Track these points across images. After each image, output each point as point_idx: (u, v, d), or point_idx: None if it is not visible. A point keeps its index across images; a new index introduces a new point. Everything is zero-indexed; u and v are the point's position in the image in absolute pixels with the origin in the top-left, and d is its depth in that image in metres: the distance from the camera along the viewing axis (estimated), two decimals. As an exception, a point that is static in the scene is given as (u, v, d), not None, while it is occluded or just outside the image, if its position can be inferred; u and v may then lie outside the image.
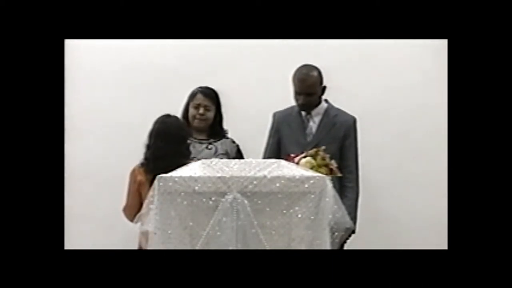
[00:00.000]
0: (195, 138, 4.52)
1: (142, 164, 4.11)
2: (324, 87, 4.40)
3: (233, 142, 4.62)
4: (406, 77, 5.03)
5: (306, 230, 3.27)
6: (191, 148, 4.36)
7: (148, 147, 4.12)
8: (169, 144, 4.04)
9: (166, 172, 3.32)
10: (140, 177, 4.09)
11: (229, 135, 4.63)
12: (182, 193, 3.26)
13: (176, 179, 3.27)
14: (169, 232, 3.26)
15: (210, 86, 4.61)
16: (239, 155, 4.58)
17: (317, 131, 4.38)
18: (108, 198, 4.92)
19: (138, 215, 3.46)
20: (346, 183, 4.31)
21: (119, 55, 5.07)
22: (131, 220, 3.99)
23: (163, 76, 5.08)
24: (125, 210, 4.18)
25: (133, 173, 4.13)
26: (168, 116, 4.19)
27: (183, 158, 3.93)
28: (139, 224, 3.46)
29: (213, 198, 3.25)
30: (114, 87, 5.09)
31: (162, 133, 4.08)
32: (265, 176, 3.27)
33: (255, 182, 3.26)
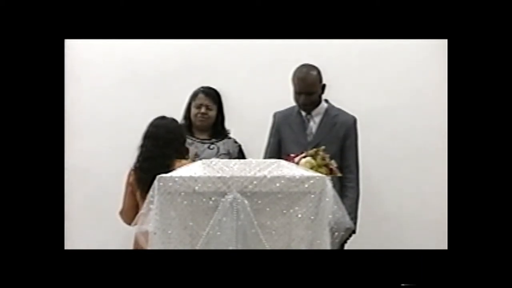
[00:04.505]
0: (197, 138, 4.53)
1: (135, 166, 4.13)
2: (324, 86, 4.39)
3: (235, 142, 4.62)
4: (406, 77, 5.03)
5: (306, 230, 3.26)
6: (193, 148, 4.37)
7: (141, 148, 4.14)
8: (156, 146, 4.06)
9: (153, 173, 3.33)
10: (132, 179, 4.11)
11: (231, 135, 4.64)
12: (182, 193, 3.25)
13: (176, 179, 3.26)
14: (169, 232, 3.25)
15: (211, 86, 4.61)
16: (241, 155, 4.58)
17: (318, 131, 4.38)
18: (107, 198, 4.91)
19: (138, 215, 3.46)
20: (347, 183, 4.31)
21: (119, 55, 5.07)
22: (128, 223, 4.00)
23: (164, 76, 5.07)
24: (121, 213, 4.20)
25: (128, 176, 4.15)
26: (162, 118, 4.19)
27: (170, 159, 3.95)
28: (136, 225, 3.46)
29: (213, 198, 3.25)
30: (114, 87, 5.09)
31: (151, 135, 4.11)
32: (265, 176, 3.26)
33: (255, 182, 3.25)
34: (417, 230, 4.96)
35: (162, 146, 4.06)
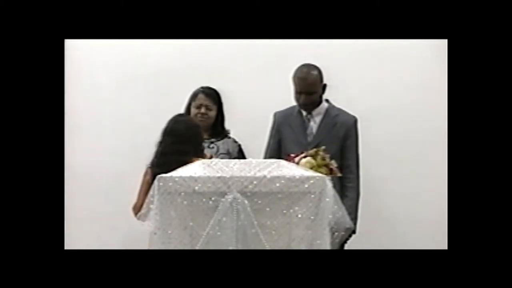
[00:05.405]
0: (197, 137, 4.53)
1: (152, 163, 4.09)
2: (325, 85, 4.39)
3: (235, 141, 4.63)
4: (406, 77, 5.03)
5: (306, 230, 3.27)
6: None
7: (159, 144, 4.11)
8: (175, 142, 4.04)
9: (172, 169, 3.33)
10: (148, 177, 4.09)
11: (231, 135, 4.64)
12: (182, 193, 3.26)
13: (176, 179, 3.27)
14: (169, 232, 3.26)
15: (211, 86, 4.62)
16: (241, 154, 4.59)
17: (318, 131, 4.38)
18: (108, 198, 4.92)
19: (138, 214, 3.47)
20: (347, 183, 4.31)
21: (119, 55, 5.07)
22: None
23: (164, 76, 5.08)
24: (134, 208, 4.16)
25: (145, 174, 4.12)
26: (181, 115, 4.23)
27: (188, 156, 3.92)
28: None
29: (213, 198, 3.25)
30: (114, 87, 5.09)
31: (171, 131, 4.09)
32: (265, 176, 3.27)
33: (255, 182, 3.26)
34: (417, 230, 4.96)
35: (181, 142, 4.02)
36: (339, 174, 3.91)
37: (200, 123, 4.55)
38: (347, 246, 4.28)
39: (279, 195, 3.26)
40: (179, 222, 3.26)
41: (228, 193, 3.25)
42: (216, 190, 3.25)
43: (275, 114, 4.53)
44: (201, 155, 4.06)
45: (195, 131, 4.13)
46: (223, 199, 3.24)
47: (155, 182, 3.28)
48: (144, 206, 3.36)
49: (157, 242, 3.26)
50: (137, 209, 4.13)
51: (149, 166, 4.12)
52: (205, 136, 4.57)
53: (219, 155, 4.49)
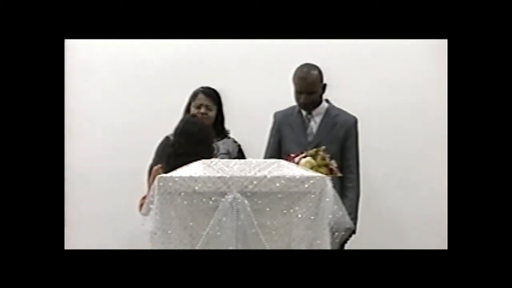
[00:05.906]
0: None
1: (167, 163, 4.06)
2: (325, 85, 4.39)
3: (235, 141, 4.63)
4: (406, 77, 5.03)
5: (306, 230, 3.27)
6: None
7: (172, 144, 4.09)
8: (190, 142, 4.01)
9: None
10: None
11: (231, 135, 4.64)
12: (182, 193, 3.26)
13: (176, 179, 3.27)
14: (169, 232, 3.26)
15: (211, 86, 4.62)
16: (240, 155, 4.58)
17: (318, 131, 4.38)
18: (108, 198, 4.92)
19: (141, 213, 3.47)
20: (347, 183, 4.31)
21: (119, 55, 5.07)
22: None
23: (164, 76, 5.08)
24: (141, 202, 4.11)
25: (152, 173, 4.07)
26: (193, 115, 4.21)
27: (199, 158, 3.90)
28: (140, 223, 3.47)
29: (213, 198, 3.25)
30: (114, 87, 5.09)
31: (182, 132, 4.06)
32: (265, 176, 3.27)
33: (255, 182, 3.26)
34: (417, 230, 4.96)
35: (195, 143, 3.99)
36: (339, 174, 3.91)
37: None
38: (347, 246, 4.28)
39: (279, 195, 3.26)
40: (179, 222, 3.26)
41: (228, 193, 3.25)
42: (216, 190, 3.25)
43: (275, 114, 4.53)
44: (212, 156, 4.04)
45: (206, 132, 4.11)
46: (223, 199, 3.24)
47: (155, 182, 3.28)
48: (145, 205, 3.36)
49: (157, 242, 3.26)
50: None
51: (160, 166, 4.10)
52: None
53: (219, 155, 4.48)
